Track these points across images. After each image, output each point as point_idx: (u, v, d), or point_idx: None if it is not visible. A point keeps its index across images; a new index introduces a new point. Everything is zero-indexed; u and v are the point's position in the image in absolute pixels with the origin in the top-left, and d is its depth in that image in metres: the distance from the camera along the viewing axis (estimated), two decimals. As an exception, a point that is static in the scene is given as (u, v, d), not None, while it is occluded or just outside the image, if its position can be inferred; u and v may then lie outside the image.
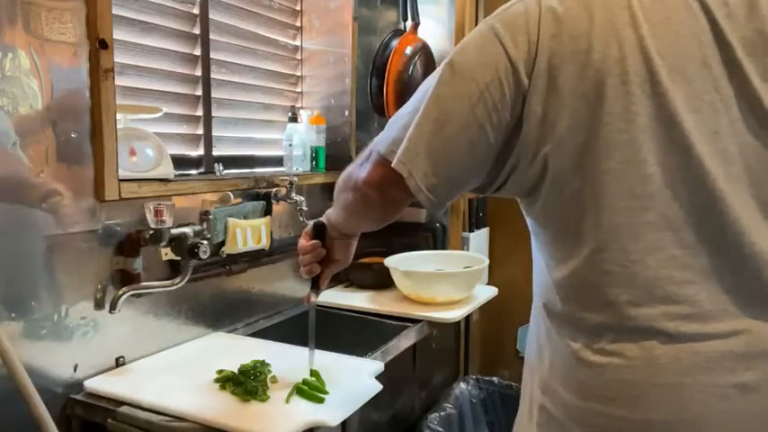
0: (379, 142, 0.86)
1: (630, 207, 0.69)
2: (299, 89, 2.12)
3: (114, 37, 1.22)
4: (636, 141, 0.68)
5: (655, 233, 0.69)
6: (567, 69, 0.69)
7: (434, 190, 0.78)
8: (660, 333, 0.69)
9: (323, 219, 1.09)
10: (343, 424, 1.19)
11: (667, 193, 0.69)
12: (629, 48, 0.68)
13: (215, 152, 1.75)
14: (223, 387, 1.20)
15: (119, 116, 1.28)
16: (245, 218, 1.59)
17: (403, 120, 0.82)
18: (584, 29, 0.69)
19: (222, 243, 1.53)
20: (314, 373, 1.23)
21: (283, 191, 1.73)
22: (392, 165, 0.79)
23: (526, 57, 0.71)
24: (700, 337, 0.69)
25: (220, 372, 1.25)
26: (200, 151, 1.72)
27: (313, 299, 1.16)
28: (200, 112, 1.70)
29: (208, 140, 1.72)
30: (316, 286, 1.14)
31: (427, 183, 0.77)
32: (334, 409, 1.12)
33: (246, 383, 1.18)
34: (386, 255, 1.96)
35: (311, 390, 1.16)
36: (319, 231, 1.08)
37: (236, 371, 1.25)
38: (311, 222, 1.09)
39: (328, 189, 2.04)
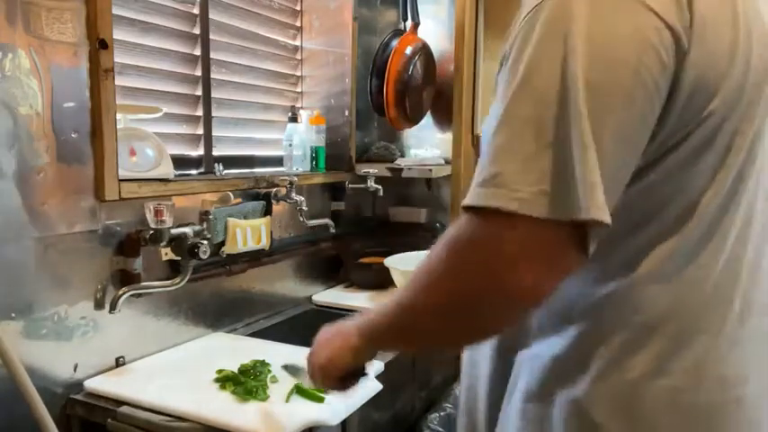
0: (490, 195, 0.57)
1: None
2: (299, 89, 2.12)
3: (114, 37, 1.22)
4: None
5: None
6: None
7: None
8: None
9: (353, 332, 0.78)
10: (343, 424, 1.19)
11: None
12: None
13: (215, 152, 1.75)
14: (223, 387, 1.20)
15: (119, 116, 1.28)
16: (245, 218, 1.59)
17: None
18: None
19: (222, 243, 1.53)
20: None
21: (283, 191, 1.73)
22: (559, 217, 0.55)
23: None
24: None
25: (220, 372, 1.25)
26: (201, 151, 1.72)
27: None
28: (200, 112, 1.70)
29: (208, 140, 1.73)
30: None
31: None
32: (334, 409, 1.12)
33: (246, 383, 1.19)
34: (386, 255, 1.96)
35: (311, 389, 1.16)
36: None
37: (236, 371, 1.25)
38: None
39: (328, 189, 2.04)
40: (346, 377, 0.83)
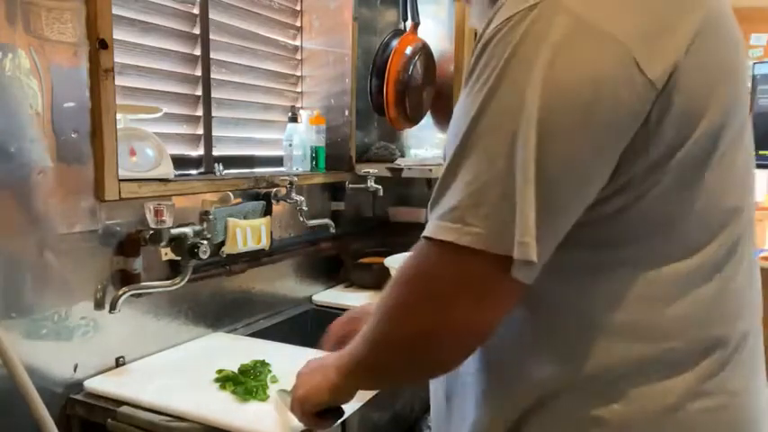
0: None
1: None
2: (299, 89, 2.12)
3: (114, 37, 1.22)
4: None
5: None
6: None
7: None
8: None
9: (332, 369, 0.77)
10: (343, 424, 1.19)
11: None
12: None
13: (215, 152, 1.75)
14: (223, 387, 1.20)
15: (119, 116, 1.28)
16: (245, 218, 1.59)
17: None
18: None
19: (222, 243, 1.53)
20: None
21: (283, 191, 1.73)
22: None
23: None
24: None
25: (220, 372, 1.25)
26: (201, 151, 1.72)
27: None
28: (200, 112, 1.70)
29: (208, 140, 1.72)
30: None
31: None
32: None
33: (246, 383, 1.19)
34: (386, 255, 1.96)
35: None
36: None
37: (236, 371, 1.25)
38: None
39: (328, 189, 2.04)
40: (323, 414, 0.82)
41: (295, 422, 1.06)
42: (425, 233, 0.60)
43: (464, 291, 0.59)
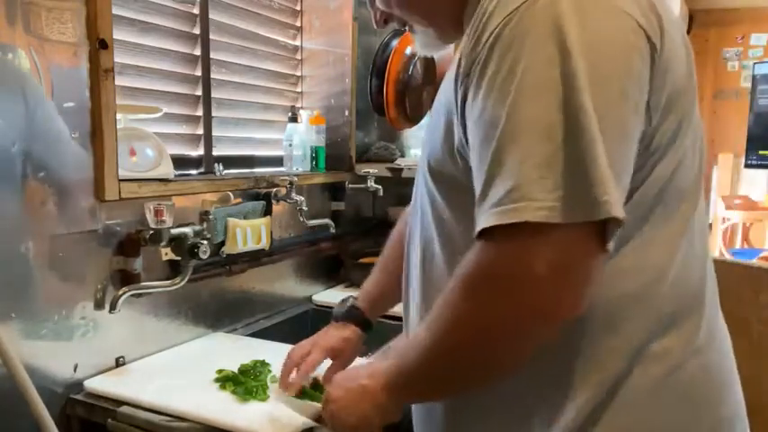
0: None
1: None
2: (299, 89, 2.12)
3: (114, 37, 1.22)
4: None
5: None
6: None
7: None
8: None
9: (380, 391, 0.73)
10: (343, 424, 1.19)
11: None
12: None
13: (215, 152, 1.75)
14: (223, 387, 1.20)
15: (119, 116, 1.28)
16: (245, 218, 1.59)
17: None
18: None
19: (222, 243, 1.53)
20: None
21: (283, 191, 1.73)
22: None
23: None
24: None
25: (220, 372, 1.25)
26: (201, 151, 1.72)
27: None
28: (200, 112, 1.70)
29: (208, 140, 1.73)
30: None
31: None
32: None
33: (246, 383, 1.19)
34: (386, 255, 1.95)
35: (311, 389, 1.16)
36: None
37: (236, 371, 1.25)
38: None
39: (328, 189, 2.04)
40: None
41: (293, 421, 1.06)
42: (481, 226, 0.56)
43: (554, 274, 0.55)
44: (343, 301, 1.09)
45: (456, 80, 0.64)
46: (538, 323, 0.58)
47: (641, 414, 0.65)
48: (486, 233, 0.57)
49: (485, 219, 0.56)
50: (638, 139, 0.61)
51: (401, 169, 2.09)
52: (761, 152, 3.80)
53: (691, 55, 0.69)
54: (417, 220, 0.81)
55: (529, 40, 0.56)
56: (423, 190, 0.79)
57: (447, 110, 0.69)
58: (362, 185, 2.06)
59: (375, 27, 0.86)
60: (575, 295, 0.57)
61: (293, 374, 1.02)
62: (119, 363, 1.30)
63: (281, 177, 1.73)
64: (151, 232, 1.27)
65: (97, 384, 1.21)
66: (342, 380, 0.80)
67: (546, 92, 0.55)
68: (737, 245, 4.60)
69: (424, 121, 2.21)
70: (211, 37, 1.71)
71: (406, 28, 0.83)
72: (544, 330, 0.59)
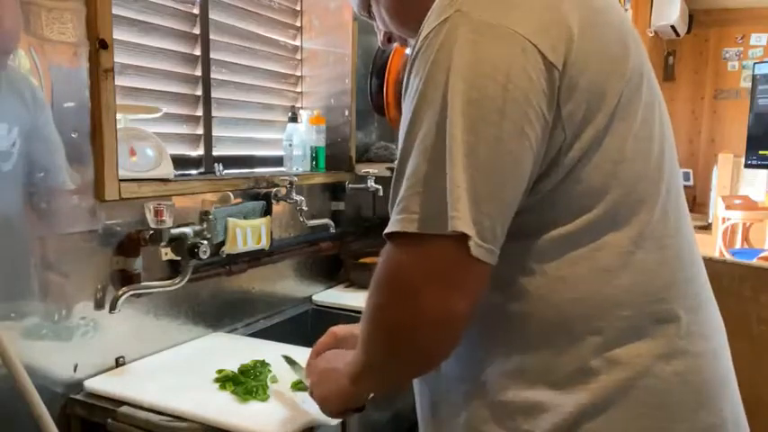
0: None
1: None
2: (299, 89, 2.12)
3: (114, 37, 1.22)
4: None
5: None
6: None
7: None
8: None
9: (345, 377, 0.80)
10: (343, 424, 1.19)
11: None
12: None
13: (215, 152, 1.75)
14: (223, 387, 1.20)
15: (119, 116, 1.28)
16: (245, 218, 1.59)
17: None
18: None
19: (222, 243, 1.53)
20: None
21: (283, 191, 1.73)
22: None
23: None
24: None
25: (220, 372, 1.25)
26: (201, 151, 1.72)
27: None
28: (200, 112, 1.70)
29: (208, 140, 1.73)
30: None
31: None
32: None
33: (246, 383, 1.19)
34: (386, 255, 1.95)
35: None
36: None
37: (236, 371, 1.25)
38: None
39: (328, 189, 2.04)
40: (344, 411, 0.87)
41: (293, 421, 1.06)
42: (385, 231, 0.65)
43: (427, 279, 0.62)
44: None
45: None
46: (420, 323, 0.64)
47: (608, 421, 0.65)
48: (388, 237, 0.65)
49: (388, 225, 0.64)
50: (544, 153, 0.64)
51: (401, 169, 2.08)
52: (761, 152, 3.79)
53: (635, 48, 0.69)
54: None
55: (429, 64, 0.63)
56: None
57: None
58: (362, 185, 2.06)
59: (380, 46, 0.94)
60: (445, 298, 0.62)
61: None
62: (119, 363, 1.30)
63: (281, 177, 1.73)
64: (151, 232, 1.27)
65: (97, 384, 1.21)
66: (328, 358, 0.90)
67: (432, 114, 0.62)
68: (737, 245, 4.59)
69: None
70: (211, 37, 1.71)
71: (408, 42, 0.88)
72: (430, 330, 0.64)
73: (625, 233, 0.67)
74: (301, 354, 1.31)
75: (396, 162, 0.66)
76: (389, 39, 0.91)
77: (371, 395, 0.84)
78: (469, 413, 0.72)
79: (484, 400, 0.70)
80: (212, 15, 1.71)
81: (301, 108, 2.10)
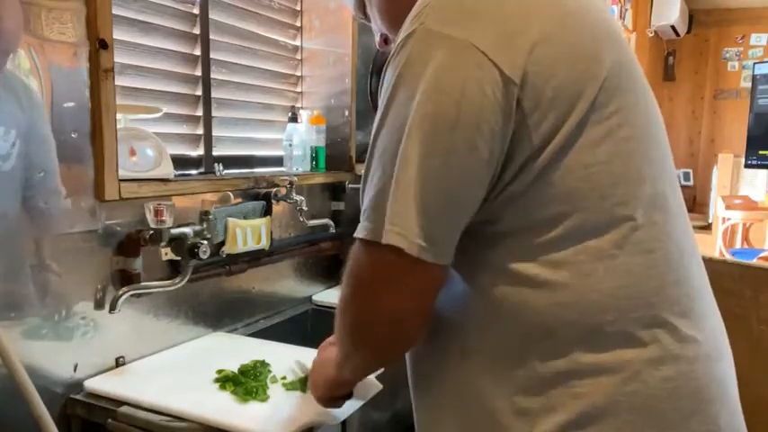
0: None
1: None
2: (299, 89, 2.12)
3: (114, 37, 1.22)
4: None
5: None
6: None
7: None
8: None
9: (333, 367, 0.86)
10: (343, 423, 1.19)
11: None
12: None
13: (215, 152, 1.75)
14: (223, 387, 1.20)
15: (119, 116, 1.28)
16: (245, 218, 1.59)
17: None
18: None
19: (222, 243, 1.53)
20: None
21: (283, 191, 1.73)
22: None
23: None
24: None
25: (220, 372, 1.25)
26: (201, 151, 1.72)
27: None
28: (200, 112, 1.70)
29: (208, 140, 1.73)
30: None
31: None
32: (335, 409, 1.12)
33: (246, 383, 1.19)
34: (386, 255, 1.96)
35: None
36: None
37: (236, 371, 1.25)
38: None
39: (328, 189, 2.04)
40: (334, 399, 0.94)
41: (293, 421, 1.06)
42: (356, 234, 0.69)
43: (382, 281, 0.66)
44: None
45: None
46: (375, 320, 0.68)
47: (597, 429, 0.65)
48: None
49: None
50: (512, 160, 0.64)
51: (401, 169, 2.08)
52: (761, 152, 3.79)
53: (614, 48, 0.68)
54: None
55: (395, 78, 0.66)
56: None
57: None
58: (362, 185, 2.05)
59: (378, 48, 0.95)
60: (393, 299, 0.66)
61: None
62: (119, 363, 1.30)
63: (281, 177, 1.73)
64: (151, 232, 1.27)
65: (97, 384, 1.21)
66: (327, 349, 0.95)
67: (394, 129, 0.65)
68: (737, 245, 4.60)
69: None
70: (211, 37, 1.71)
71: None
72: (384, 326, 0.68)
73: (606, 237, 0.66)
74: (302, 354, 1.31)
75: (363, 167, 0.71)
76: (386, 41, 0.93)
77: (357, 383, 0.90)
78: (459, 424, 0.73)
79: (472, 406, 0.70)
80: (212, 15, 1.71)
81: (301, 108, 2.10)
